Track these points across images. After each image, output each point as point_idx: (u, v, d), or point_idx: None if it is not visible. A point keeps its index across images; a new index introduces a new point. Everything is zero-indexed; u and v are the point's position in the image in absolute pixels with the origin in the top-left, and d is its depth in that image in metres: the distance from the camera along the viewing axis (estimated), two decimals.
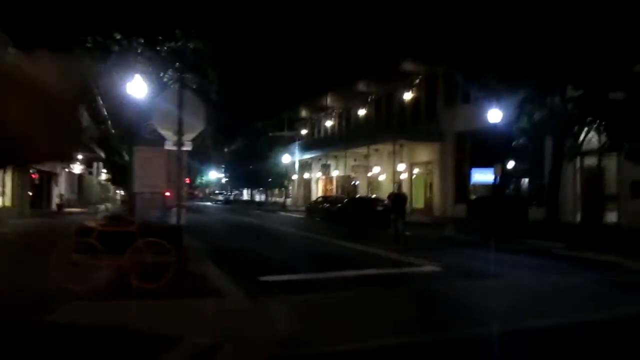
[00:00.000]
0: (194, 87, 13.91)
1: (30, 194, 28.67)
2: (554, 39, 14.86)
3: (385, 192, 33.56)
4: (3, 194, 22.33)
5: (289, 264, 11.42)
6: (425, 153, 32.06)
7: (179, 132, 9.06)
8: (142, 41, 13.70)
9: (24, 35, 12.29)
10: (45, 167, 31.39)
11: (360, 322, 6.29)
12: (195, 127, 9.41)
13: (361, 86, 36.65)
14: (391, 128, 34.33)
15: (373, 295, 7.96)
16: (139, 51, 13.78)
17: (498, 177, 19.61)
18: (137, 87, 12.53)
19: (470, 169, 27.01)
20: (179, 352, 4.70)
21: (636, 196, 17.94)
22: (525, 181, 24.71)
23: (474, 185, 26.45)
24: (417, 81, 32.16)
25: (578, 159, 20.61)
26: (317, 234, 19.32)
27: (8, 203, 22.92)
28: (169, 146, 9.39)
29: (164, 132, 9.39)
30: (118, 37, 13.42)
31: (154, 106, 9.71)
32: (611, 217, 19.46)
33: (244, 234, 20.84)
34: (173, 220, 9.62)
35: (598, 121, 15.71)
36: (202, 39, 13.79)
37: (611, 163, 18.92)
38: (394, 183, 21.04)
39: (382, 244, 14.83)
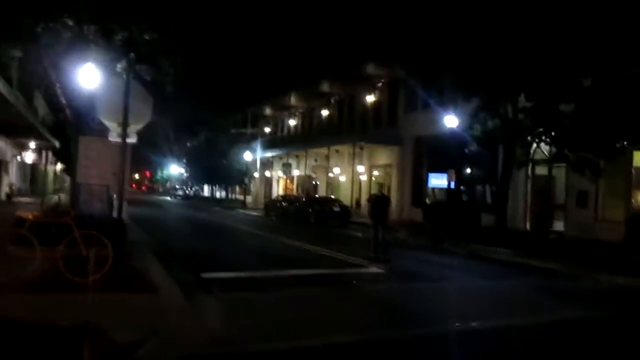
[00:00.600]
0: (148, 79, 13.68)
1: None
2: (507, 50, 15.23)
3: (344, 194, 33.80)
4: None
5: (234, 262, 11.36)
6: (384, 156, 32.37)
7: (124, 124, 8.87)
8: (95, 29, 13.33)
9: None
10: None
11: (291, 322, 6.29)
12: (141, 119, 9.24)
13: (325, 87, 36.73)
14: (352, 130, 34.55)
15: (310, 295, 7.98)
16: (92, 39, 13.42)
17: (451, 182, 20.02)
18: (88, 76, 12.22)
19: (428, 173, 27.50)
20: (100, 347, 4.60)
21: (581, 206, 18.55)
22: (480, 187, 25.25)
23: (432, 189, 26.91)
24: (380, 85, 32.43)
25: (530, 168, 21.21)
26: (270, 232, 19.26)
27: None
28: (113, 137, 9.20)
29: (109, 123, 9.19)
30: (70, 23, 13.02)
31: (99, 96, 9.49)
32: (559, 225, 20.06)
33: (196, 231, 20.60)
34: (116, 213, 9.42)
35: (547, 132, 16.18)
36: (158, 30, 13.54)
37: (560, 173, 19.49)
38: (377, 183, 21.24)
39: (333, 244, 14.90)
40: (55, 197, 31.45)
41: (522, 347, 5.72)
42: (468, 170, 24.47)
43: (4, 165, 33.98)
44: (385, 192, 31.97)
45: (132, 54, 13.70)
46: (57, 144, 34.99)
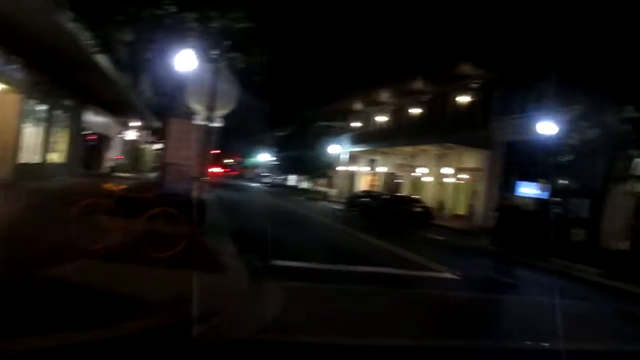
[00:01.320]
0: (239, 67, 14.03)
1: (85, 154, 29.91)
2: (617, 54, 14.15)
3: (428, 194, 33.11)
4: (57, 150, 23.32)
5: (306, 252, 11.44)
6: (473, 160, 31.29)
7: (211, 108, 9.17)
8: (194, 16, 13.83)
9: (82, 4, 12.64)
10: (101, 130, 32.64)
11: (350, 318, 6.20)
12: (227, 104, 9.51)
13: (417, 84, 36.05)
14: (442, 130, 33.64)
15: (375, 294, 7.84)
16: (191, 26, 13.94)
17: (543, 192, 18.96)
18: (184, 61, 12.76)
19: (517, 181, 26.25)
20: (158, 319, 4.77)
21: None
22: (573, 200, 23.74)
23: (522, 197, 25.65)
24: (474, 86, 31.33)
25: (631, 184, 19.63)
26: (348, 226, 19.23)
27: (61, 159, 23.93)
28: (200, 121, 9.55)
29: (197, 107, 9.54)
30: (172, 9, 13.60)
31: (190, 81, 9.88)
32: None
33: (275, 218, 20.99)
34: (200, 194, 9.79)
35: None
36: (253, 20, 13.84)
37: None
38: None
39: (409, 245, 14.63)
40: (152, 175, 33.38)
41: None
42: (561, 181, 23.07)
43: (109, 141, 36.47)
44: (471, 196, 31.13)
45: (227, 42, 14.13)
46: (158, 124, 37.03)
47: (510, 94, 27.16)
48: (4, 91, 16.11)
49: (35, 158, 19.99)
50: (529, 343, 6.10)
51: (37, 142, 20.22)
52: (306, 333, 5.35)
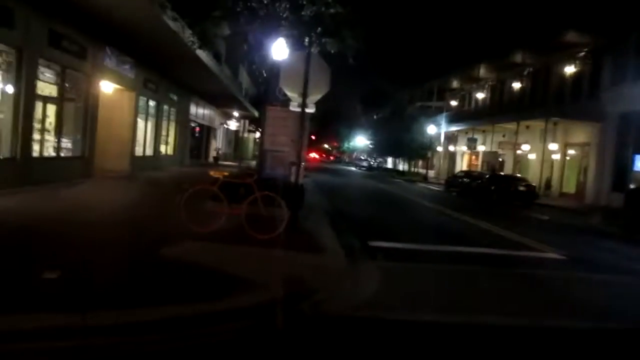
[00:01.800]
0: (332, 51, 14.19)
1: (191, 145, 31.79)
2: None
3: (533, 173, 31.55)
4: (167, 143, 25.01)
5: (404, 233, 11.46)
6: (582, 134, 29.35)
7: (304, 94, 9.41)
8: (286, 5, 14.17)
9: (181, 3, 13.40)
10: (205, 122, 34.45)
11: (447, 297, 6.20)
12: (319, 90, 9.70)
13: (517, 57, 34.35)
14: (546, 104, 31.84)
15: (473, 274, 7.71)
16: (284, 15, 14.30)
17: None
18: (278, 50, 13.17)
19: (634, 155, 24.30)
20: (261, 295, 5.09)
21: None
22: None
23: (638, 173, 23.80)
24: (581, 54, 29.26)
25: None
26: (447, 208, 18.90)
27: (170, 151, 25.64)
28: (294, 107, 9.83)
29: (290, 94, 9.83)
30: (265, 1, 14.03)
31: (282, 67, 10.17)
32: None
33: (373, 200, 21.12)
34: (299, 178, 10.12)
35: None
36: (342, 3, 13.91)
37: None
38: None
39: (512, 225, 14.14)
40: (252, 162, 34.75)
41: None
42: None
43: (213, 132, 38.41)
44: (581, 173, 29.27)
45: (318, 28, 14.35)
46: (256, 114, 38.39)
47: (623, 61, 25.09)
48: (119, 90, 17.54)
49: (148, 151, 21.60)
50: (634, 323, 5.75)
51: (150, 136, 21.81)
52: (400, 310, 5.44)
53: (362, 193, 25.09)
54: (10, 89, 10.98)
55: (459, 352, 4.38)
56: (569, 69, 30.13)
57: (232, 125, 42.71)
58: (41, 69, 12.15)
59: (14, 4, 10.43)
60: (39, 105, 12.29)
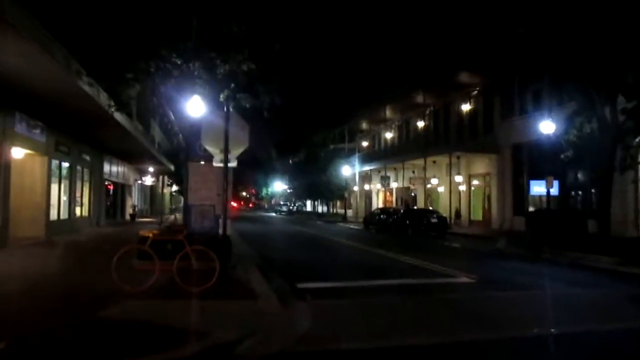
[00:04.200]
0: (247, 106, 14.86)
1: (107, 204, 30.96)
2: (602, 49, 14.78)
3: (443, 204, 33.61)
4: (81, 204, 24.34)
5: (329, 273, 12.07)
6: (482, 165, 31.85)
7: (225, 150, 9.95)
8: (199, 65, 14.74)
9: (90, 63, 13.59)
10: (119, 179, 33.76)
11: (375, 325, 6.86)
12: (240, 145, 10.29)
13: (419, 98, 36.93)
14: (448, 140, 34.37)
15: (397, 303, 8.47)
16: (197, 74, 14.83)
17: (550, 189, 19.46)
18: (194, 107, 13.65)
19: (529, 181, 26.70)
20: (204, 343, 5.47)
21: None
22: (586, 193, 24.12)
23: (540, 197, 26.06)
24: (474, 93, 32.07)
25: (635, 172, 20.06)
26: (367, 245, 19.84)
27: (85, 213, 24.94)
28: (217, 162, 10.34)
29: (212, 150, 10.34)
30: (178, 62, 14.52)
31: (203, 126, 10.68)
32: None
33: (297, 244, 21.68)
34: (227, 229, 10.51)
35: None
36: (254, 60, 14.66)
37: None
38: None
39: (427, 255, 15.20)
40: (172, 217, 34.32)
41: (596, 351, 5.85)
42: (570, 176, 23.56)
43: (128, 189, 37.60)
44: (485, 201, 31.56)
45: (232, 85, 15.00)
46: (172, 167, 38.12)
47: (510, 97, 27.84)
48: (30, 155, 17.16)
49: (63, 214, 20.99)
50: (537, 330, 6.67)
51: (64, 199, 21.23)
52: (334, 341, 6.01)
53: (285, 238, 25.59)
54: None
55: None
56: (465, 107, 32.87)
57: (148, 180, 42.02)
58: None
59: None
60: None
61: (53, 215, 19.55)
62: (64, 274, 10.66)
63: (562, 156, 17.17)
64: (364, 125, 51.57)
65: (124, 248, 8.99)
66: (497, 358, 5.66)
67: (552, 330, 6.67)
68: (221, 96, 15.33)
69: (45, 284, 9.12)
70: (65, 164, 21.21)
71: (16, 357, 4.85)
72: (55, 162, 19.70)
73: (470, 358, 5.62)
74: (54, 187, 19.84)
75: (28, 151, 16.80)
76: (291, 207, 70.76)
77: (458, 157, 31.79)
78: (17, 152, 16.08)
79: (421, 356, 5.59)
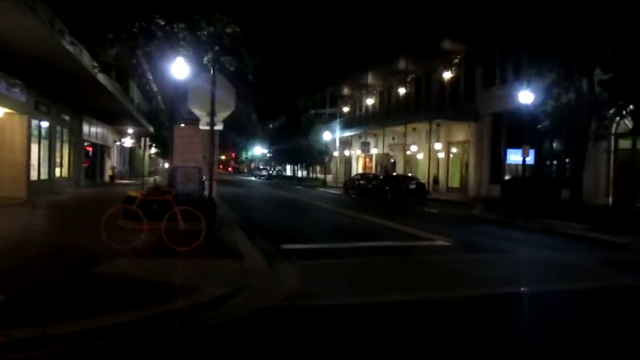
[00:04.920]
0: (232, 69, 14.86)
1: (85, 165, 30.76)
2: (582, 19, 15.06)
3: (422, 171, 34.16)
4: (61, 165, 24.18)
5: (311, 235, 12.42)
6: (461, 133, 32.31)
7: (212, 113, 10.07)
8: (184, 26, 14.61)
9: (73, 23, 13.38)
10: (99, 141, 33.46)
11: (357, 283, 7.24)
12: (226, 108, 10.41)
13: (401, 64, 36.93)
14: (429, 107, 34.66)
15: (376, 263, 8.89)
16: (181, 36, 14.71)
17: (525, 158, 19.98)
18: (178, 69, 13.64)
19: (506, 149, 27.28)
20: (198, 298, 5.76)
21: None
22: (561, 163, 24.79)
23: (516, 166, 26.72)
24: (456, 61, 32.26)
25: (612, 142, 20.66)
26: (347, 209, 20.25)
27: (65, 173, 24.81)
28: (203, 125, 10.46)
29: (198, 113, 10.45)
30: (162, 23, 14.37)
31: (190, 89, 10.74)
32: None
33: (278, 207, 22.00)
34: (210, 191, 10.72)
35: (627, 105, 15.85)
36: (239, 23, 14.56)
37: None
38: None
39: (406, 220, 15.65)
40: (152, 179, 34.24)
41: (560, 307, 6.31)
42: (545, 146, 24.16)
43: (107, 150, 37.28)
44: (463, 168, 32.16)
45: (216, 47, 14.95)
46: (151, 129, 37.80)
47: (491, 66, 28.08)
48: (9, 114, 16.98)
49: (43, 174, 20.89)
50: (512, 288, 7.12)
51: (44, 159, 21.09)
52: (319, 298, 6.35)
53: (267, 201, 25.89)
54: None
55: (369, 324, 5.38)
56: (447, 75, 33.07)
57: (127, 142, 41.70)
58: None
59: None
60: None
61: (33, 175, 19.45)
62: (52, 233, 10.80)
63: (539, 126, 17.62)
64: (346, 91, 51.51)
65: (112, 208, 9.15)
66: (467, 313, 6.07)
67: (521, 288, 7.12)
68: (205, 59, 15.29)
69: (35, 243, 9.27)
70: (45, 124, 20.99)
71: (15, 309, 5.06)
72: (35, 122, 19.49)
73: (442, 313, 6.02)
74: (34, 147, 19.66)
75: (7, 110, 16.62)
76: (271, 172, 70.90)
77: (438, 125, 32.17)
78: None
79: (399, 311, 5.97)
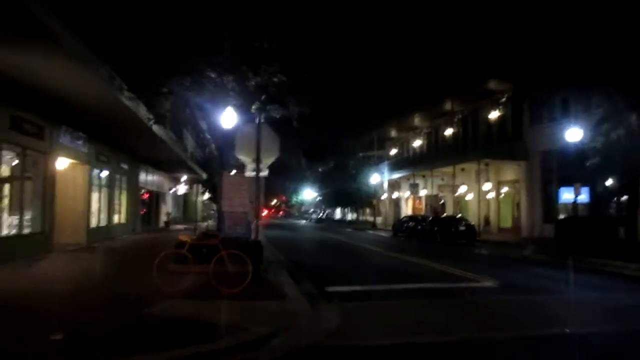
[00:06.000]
0: (277, 117, 15.43)
1: (142, 212, 32.03)
2: (631, 54, 14.89)
3: (472, 212, 33.61)
4: (119, 212, 25.34)
5: (357, 278, 12.50)
6: (511, 172, 31.79)
7: (257, 160, 10.53)
8: (233, 78, 15.39)
9: (130, 79, 14.39)
10: (154, 188, 34.86)
11: (399, 324, 7.30)
12: (271, 155, 10.86)
13: (447, 105, 36.99)
14: (477, 147, 34.37)
15: (420, 304, 8.88)
16: (230, 87, 15.47)
17: (577, 197, 19.48)
18: (227, 118, 14.31)
19: (558, 188, 26.59)
20: (243, 337, 6.00)
21: None
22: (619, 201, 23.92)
23: (573, 204, 25.96)
24: (503, 100, 32.04)
25: None
26: (395, 251, 20.19)
27: (122, 220, 25.93)
28: (249, 172, 10.93)
29: (245, 159, 10.94)
30: (212, 75, 15.20)
31: (237, 137, 11.28)
32: None
33: (325, 250, 22.16)
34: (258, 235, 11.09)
35: None
36: (284, 72, 15.22)
37: None
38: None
39: (454, 262, 15.48)
40: (205, 224, 35.21)
41: (611, 349, 6.15)
42: (607, 183, 23.44)
43: (162, 197, 38.71)
44: (515, 208, 31.48)
45: (263, 96, 15.60)
46: (204, 176, 39.05)
47: (539, 104, 27.76)
48: (73, 164, 18.13)
49: (102, 221, 21.95)
50: (554, 330, 6.99)
51: (103, 207, 22.21)
52: (358, 338, 6.46)
53: (315, 244, 26.10)
54: None
55: None
56: (494, 114, 32.86)
57: (181, 188, 43.17)
58: (3, 152, 12.80)
59: None
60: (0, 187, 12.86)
61: (93, 222, 20.49)
62: (108, 276, 11.39)
63: (588, 163, 17.24)
64: (393, 133, 51.77)
65: (163, 251, 9.62)
66: (513, 355, 6.02)
67: (568, 330, 6.98)
68: (252, 108, 15.96)
69: (92, 285, 9.83)
70: (105, 173, 22.20)
71: (71, 346, 5.44)
72: (95, 171, 20.67)
73: (488, 355, 6.00)
74: (94, 196, 20.80)
75: (72, 160, 17.76)
76: (320, 215, 71.25)
77: (487, 164, 31.79)
78: (62, 162, 17.04)
79: (436, 351, 5.99)
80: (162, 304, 7.76)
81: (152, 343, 5.65)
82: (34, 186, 15.07)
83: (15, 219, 13.87)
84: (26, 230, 14.46)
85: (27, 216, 14.59)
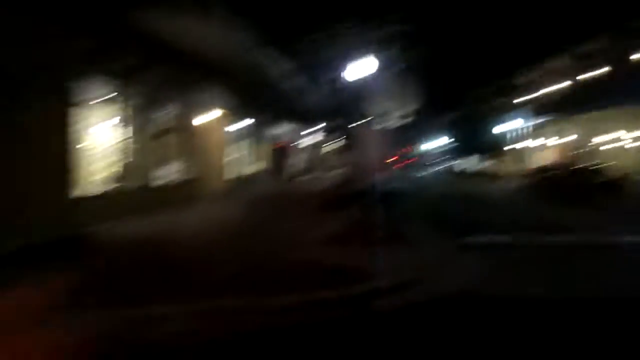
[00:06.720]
0: (405, 66, 15.20)
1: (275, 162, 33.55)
2: None
3: (622, 161, 30.67)
4: (257, 161, 26.88)
5: (491, 228, 12.04)
6: None
7: (387, 111, 10.65)
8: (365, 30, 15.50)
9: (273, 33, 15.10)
10: (286, 139, 36.25)
11: (536, 276, 7.16)
12: (402, 106, 10.90)
13: (596, 44, 33.60)
14: (627, 89, 31.05)
15: (561, 256, 8.56)
16: (363, 40, 15.57)
17: None
18: (358, 71, 14.47)
19: None
20: (382, 283, 6.35)
21: None
22: None
23: None
24: None
25: None
26: (531, 202, 19.32)
27: (260, 169, 27.49)
28: (380, 123, 11.09)
29: (376, 110, 11.10)
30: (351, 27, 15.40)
31: (367, 89, 11.43)
32: None
33: (458, 200, 21.75)
34: (391, 185, 11.37)
35: None
36: (410, 22, 14.90)
37: None
38: None
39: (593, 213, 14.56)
40: (331, 174, 36.10)
41: None
42: None
43: (293, 148, 40.18)
44: None
45: (392, 45, 15.51)
46: (333, 127, 39.73)
47: None
48: (220, 116, 19.58)
49: (243, 170, 23.54)
50: None
51: (243, 156, 23.78)
52: (500, 289, 6.44)
53: (447, 194, 25.64)
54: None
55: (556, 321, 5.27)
56: None
57: (311, 139, 44.38)
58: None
59: None
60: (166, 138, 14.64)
61: (234, 172, 22.05)
62: (255, 222, 12.28)
63: None
64: (533, 77, 48.32)
65: (311, 200, 10.23)
66: None
67: None
68: (381, 60, 15.85)
69: (245, 233, 10.65)
70: (245, 124, 23.59)
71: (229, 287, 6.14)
72: (238, 123, 22.18)
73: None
74: (233, 147, 22.34)
75: (221, 112, 19.15)
76: (452, 164, 69.32)
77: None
78: (213, 114, 18.48)
79: (588, 306, 5.73)
80: (311, 249, 8.32)
81: (285, 286, 6.17)
82: (191, 137, 16.72)
83: (177, 167, 15.66)
84: (186, 177, 16.17)
85: (187, 164, 16.32)
